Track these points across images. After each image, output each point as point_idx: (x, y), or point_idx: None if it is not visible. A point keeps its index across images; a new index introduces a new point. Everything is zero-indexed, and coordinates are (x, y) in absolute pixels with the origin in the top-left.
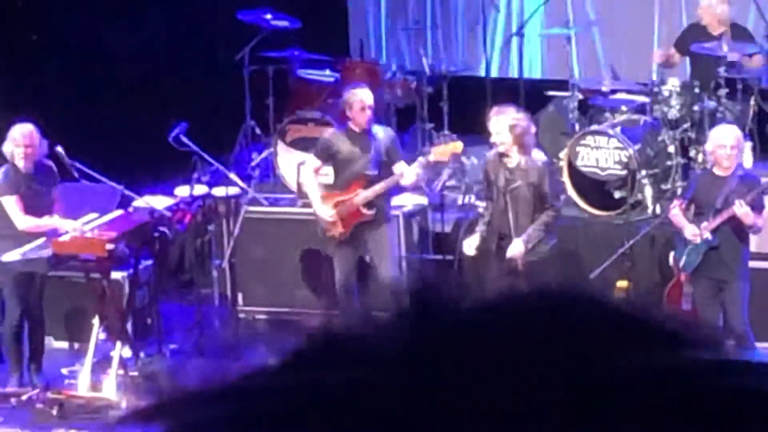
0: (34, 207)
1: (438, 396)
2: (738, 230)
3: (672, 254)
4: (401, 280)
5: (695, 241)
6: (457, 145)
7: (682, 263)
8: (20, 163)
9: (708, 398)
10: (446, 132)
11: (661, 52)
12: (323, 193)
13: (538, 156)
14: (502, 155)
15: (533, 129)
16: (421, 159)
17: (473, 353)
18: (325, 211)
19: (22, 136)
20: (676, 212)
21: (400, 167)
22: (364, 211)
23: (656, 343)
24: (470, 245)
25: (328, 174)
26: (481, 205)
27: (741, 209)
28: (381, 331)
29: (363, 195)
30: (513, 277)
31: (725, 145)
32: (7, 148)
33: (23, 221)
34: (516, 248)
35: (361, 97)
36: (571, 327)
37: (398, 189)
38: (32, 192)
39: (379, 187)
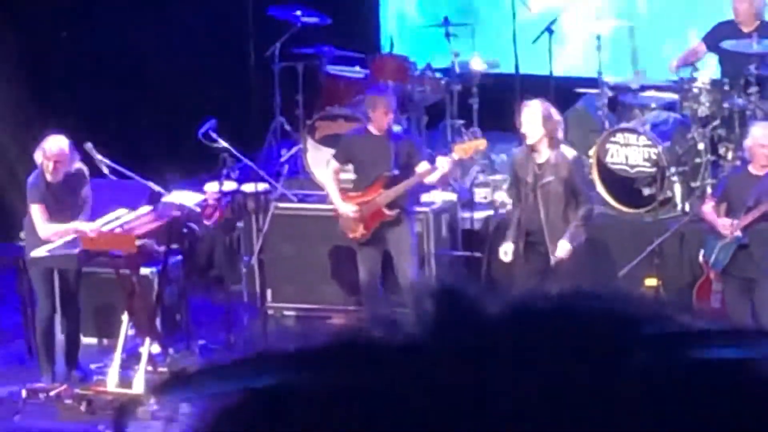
0: (58, 214)
1: (462, 396)
2: None
3: (702, 252)
4: (426, 281)
5: (728, 235)
6: (481, 143)
7: (711, 261)
8: (49, 176)
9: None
10: (474, 128)
11: (676, 60)
12: (344, 195)
13: (568, 150)
14: (531, 150)
15: (562, 124)
16: (444, 158)
17: (496, 355)
18: (348, 209)
19: (51, 152)
20: (708, 209)
21: (422, 166)
22: (387, 211)
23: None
24: (506, 252)
25: (349, 172)
26: (508, 202)
27: None
28: (405, 332)
29: (385, 195)
30: (542, 274)
31: (765, 144)
32: (38, 157)
33: (44, 229)
34: (563, 249)
35: (386, 102)
36: (585, 330)
37: (426, 186)
38: (57, 201)
39: (401, 187)
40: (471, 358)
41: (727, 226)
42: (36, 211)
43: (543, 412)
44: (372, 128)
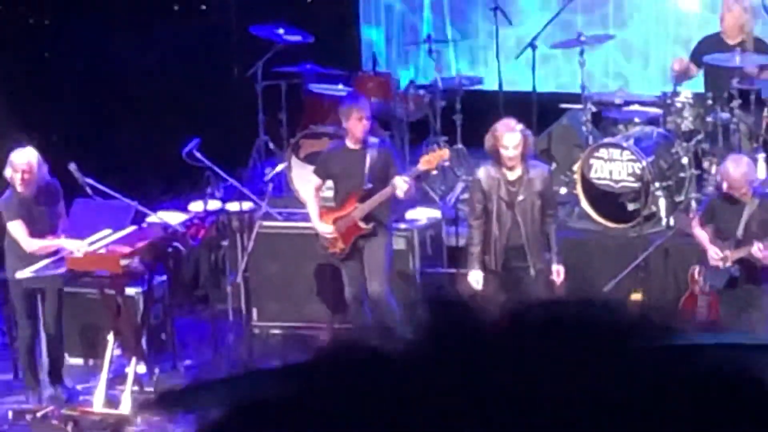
0: (37, 229)
1: (458, 401)
2: (759, 264)
3: (697, 268)
4: (422, 290)
5: (718, 266)
6: (444, 153)
7: (707, 286)
8: (19, 188)
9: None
10: (459, 146)
11: (678, 60)
12: (322, 211)
13: (539, 165)
14: (508, 169)
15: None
16: (400, 177)
17: (492, 362)
18: (324, 228)
19: (19, 163)
20: (699, 231)
21: (396, 180)
22: (362, 225)
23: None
24: (477, 280)
25: (330, 189)
26: (474, 225)
27: (760, 253)
28: (401, 340)
29: (360, 209)
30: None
31: (738, 180)
32: (8, 173)
33: (30, 244)
34: (560, 273)
35: (359, 107)
36: (582, 339)
37: (408, 202)
38: (34, 214)
39: (373, 200)
40: (467, 365)
41: (717, 258)
42: (17, 227)
43: (539, 419)
44: (349, 142)
